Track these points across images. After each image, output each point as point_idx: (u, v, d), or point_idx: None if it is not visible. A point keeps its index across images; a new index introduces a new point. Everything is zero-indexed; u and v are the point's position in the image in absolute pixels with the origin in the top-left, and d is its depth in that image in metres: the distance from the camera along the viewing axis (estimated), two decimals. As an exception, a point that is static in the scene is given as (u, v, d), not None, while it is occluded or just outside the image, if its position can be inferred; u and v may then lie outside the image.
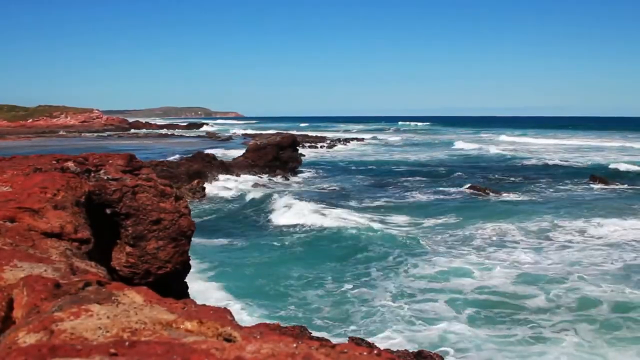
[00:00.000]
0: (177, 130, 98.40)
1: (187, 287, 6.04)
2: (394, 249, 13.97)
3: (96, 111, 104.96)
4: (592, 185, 26.11)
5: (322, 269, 12.58)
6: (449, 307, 10.13)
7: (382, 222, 17.66)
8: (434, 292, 10.92)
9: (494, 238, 15.33)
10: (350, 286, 11.38)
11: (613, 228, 16.21)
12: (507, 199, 22.33)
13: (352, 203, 21.41)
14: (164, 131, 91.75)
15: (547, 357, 8.25)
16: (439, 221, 17.71)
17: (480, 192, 23.58)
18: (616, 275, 11.88)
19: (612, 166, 34.25)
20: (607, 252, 13.71)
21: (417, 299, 10.62)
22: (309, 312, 10.13)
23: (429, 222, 17.67)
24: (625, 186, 25.81)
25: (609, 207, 19.66)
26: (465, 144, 54.63)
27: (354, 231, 15.89)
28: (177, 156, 32.29)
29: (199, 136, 76.02)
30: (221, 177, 26.12)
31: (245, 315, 9.54)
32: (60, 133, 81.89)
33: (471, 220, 17.47)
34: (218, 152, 35.28)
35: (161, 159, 28.74)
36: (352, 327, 9.29)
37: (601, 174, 29.02)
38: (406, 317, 9.68)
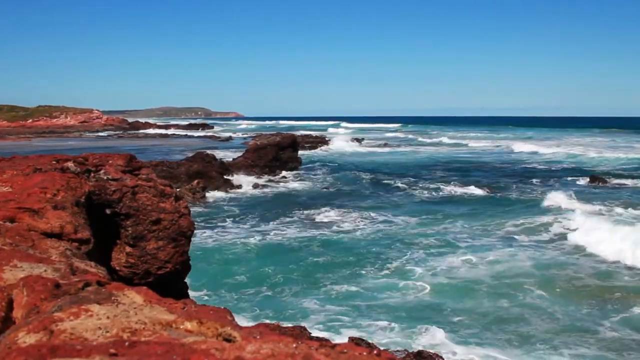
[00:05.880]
0: (176, 130, 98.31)
1: (187, 287, 6.04)
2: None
3: (96, 111, 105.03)
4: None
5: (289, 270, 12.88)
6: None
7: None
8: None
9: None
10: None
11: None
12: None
13: (340, 201, 21.64)
14: (163, 131, 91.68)
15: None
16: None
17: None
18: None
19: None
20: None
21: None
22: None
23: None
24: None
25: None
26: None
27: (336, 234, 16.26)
28: (177, 155, 32.28)
29: (199, 136, 75.98)
30: (222, 179, 26.11)
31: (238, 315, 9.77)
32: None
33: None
34: (218, 153, 35.26)
35: (161, 159, 28.75)
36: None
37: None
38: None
